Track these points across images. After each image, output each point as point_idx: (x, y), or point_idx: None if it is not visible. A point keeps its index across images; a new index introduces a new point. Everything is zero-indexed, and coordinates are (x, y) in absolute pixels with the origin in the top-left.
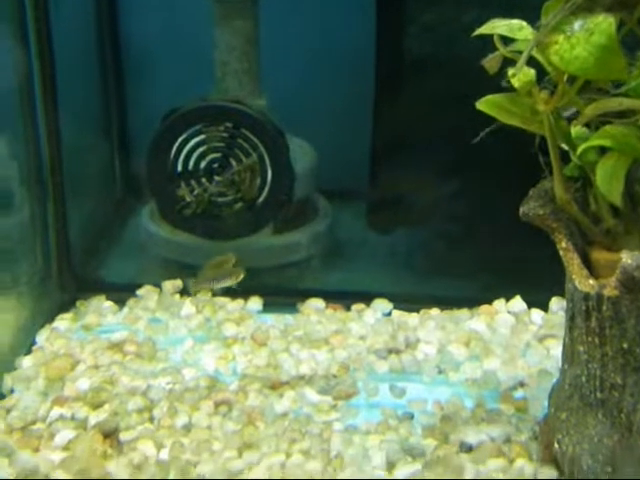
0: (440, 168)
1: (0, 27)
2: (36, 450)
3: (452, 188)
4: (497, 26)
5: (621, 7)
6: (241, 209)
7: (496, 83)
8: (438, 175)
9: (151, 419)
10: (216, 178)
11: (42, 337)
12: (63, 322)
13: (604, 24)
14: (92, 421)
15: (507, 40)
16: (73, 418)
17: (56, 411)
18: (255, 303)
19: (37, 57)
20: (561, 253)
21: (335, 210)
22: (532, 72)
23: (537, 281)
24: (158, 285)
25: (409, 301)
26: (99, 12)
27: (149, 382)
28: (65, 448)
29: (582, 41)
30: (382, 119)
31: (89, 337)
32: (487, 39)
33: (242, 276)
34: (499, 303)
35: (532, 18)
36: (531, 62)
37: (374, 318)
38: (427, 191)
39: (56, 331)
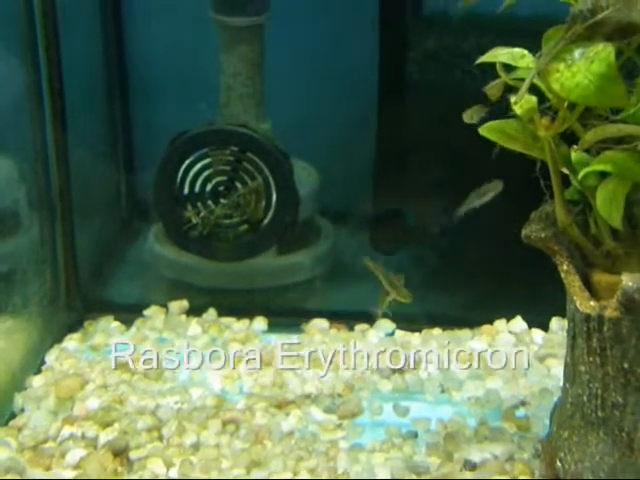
0: (443, 189)
1: (11, 51)
2: (47, 469)
3: (455, 209)
4: (499, 54)
5: (620, 36)
6: (246, 231)
7: (498, 105)
8: (441, 196)
9: (160, 438)
10: (222, 201)
11: (51, 357)
12: (72, 342)
13: (604, 52)
14: (102, 440)
15: (508, 68)
16: (83, 437)
17: (67, 430)
18: (260, 323)
19: (46, 81)
20: (562, 275)
21: (338, 231)
22: (534, 99)
23: (537, 301)
24: (164, 305)
25: (411, 321)
26: (106, 37)
27: (157, 401)
28: (76, 466)
29: (582, 69)
30: (385, 142)
31: (97, 357)
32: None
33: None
34: (500, 323)
35: (531, 46)
36: (531, 89)
37: (377, 338)
38: (430, 212)
39: (65, 351)
